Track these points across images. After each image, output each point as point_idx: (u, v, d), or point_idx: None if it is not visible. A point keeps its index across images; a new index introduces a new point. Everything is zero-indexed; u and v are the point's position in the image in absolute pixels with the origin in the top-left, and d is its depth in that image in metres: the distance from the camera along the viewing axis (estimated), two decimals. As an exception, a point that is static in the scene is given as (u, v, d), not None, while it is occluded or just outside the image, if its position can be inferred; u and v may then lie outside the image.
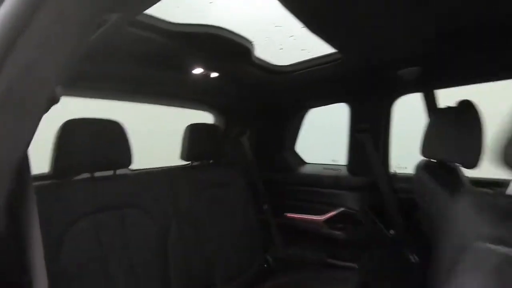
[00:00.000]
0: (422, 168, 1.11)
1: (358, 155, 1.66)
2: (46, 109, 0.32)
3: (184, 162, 1.49)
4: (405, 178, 1.56)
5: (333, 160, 1.92)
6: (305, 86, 1.58)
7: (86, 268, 0.93)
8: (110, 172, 1.13)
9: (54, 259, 0.87)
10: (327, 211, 1.69)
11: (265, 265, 1.60)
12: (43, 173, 1.06)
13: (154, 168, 1.54)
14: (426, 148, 1.07)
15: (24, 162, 0.29)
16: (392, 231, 1.52)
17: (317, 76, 1.41)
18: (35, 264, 0.30)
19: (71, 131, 0.98)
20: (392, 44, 1.07)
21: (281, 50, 1.26)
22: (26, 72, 0.25)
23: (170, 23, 0.93)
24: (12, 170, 0.25)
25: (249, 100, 1.80)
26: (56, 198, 0.93)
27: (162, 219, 1.17)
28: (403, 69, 1.24)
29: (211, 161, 1.67)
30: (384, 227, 1.53)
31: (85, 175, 1.06)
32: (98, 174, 1.08)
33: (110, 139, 1.07)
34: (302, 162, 2.00)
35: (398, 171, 1.62)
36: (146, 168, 1.50)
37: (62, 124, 0.97)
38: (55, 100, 0.32)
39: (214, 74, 1.34)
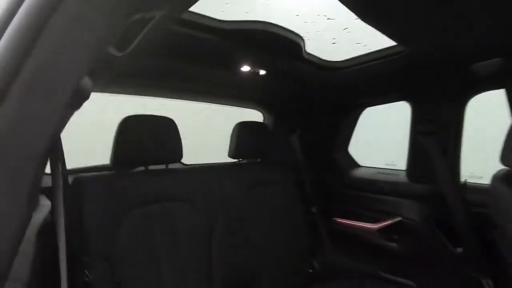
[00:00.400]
0: (501, 179, 0.94)
1: (421, 160, 1.48)
2: (77, 105, 0.33)
3: (232, 160, 1.51)
4: (479, 190, 1.34)
5: (387, 164, 1.75)
6: (361, 82, 1.46)
7: (137, 254, 0.99)
8: (163, 166, 1.20)
9: (110, 244, 0.96)
10: (381, 220, 1.55)
11: (311, 270, 1.53)
12: (104, 164, 1.17)
13: (204, 164, 1.59)
14: (508, 156, 0.90)
15: (55, 152, 0.31)
16: (459, 249, 1.32)
17: (374, 72, 1.30)
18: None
19: (129, 126, 1.06)
20: (467, 33, 0.92)
21: (334, 44, 1.19)
22: (54, 56, 0.26)
23: (218, 20, 0.94)
24: (38, 156, 0.27)
25: (300, 97, 1.74)
26: (115, 187, 1.02)
27: (209, 214, 1.20)
28: (480, 61, 1.07)
29: (259, 160, 1.67)
30: (450, 243, 1.34)
31: (140, 168, 1.15)
32: (152, 167, 1.16)
33: (164, 134, 1.14)
34: (355, 165, 1.87)
35: (471, 180, 1.40)
36: (196, 164, 1.56)
37: (122, 120, 1.06)
38: (84, 95, 0.33)
39: (262, 72, 1.32)
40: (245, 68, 1.27)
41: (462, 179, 1.41)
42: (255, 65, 1.26)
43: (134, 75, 1.19)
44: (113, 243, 0.95)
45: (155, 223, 1.06)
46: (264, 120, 1.93)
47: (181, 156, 1.18)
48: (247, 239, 1.31)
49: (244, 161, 1.55)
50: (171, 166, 1.23)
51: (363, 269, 1.49)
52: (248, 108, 1.91)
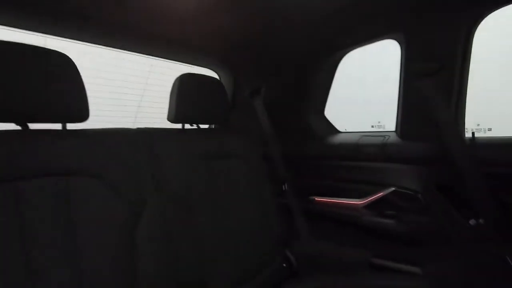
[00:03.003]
0: None
1: (415, 111, 1.16)
2: None
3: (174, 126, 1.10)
4: (490, 145, 1.05)
5: (373, 126, 1.43)
6: (334, 20, 1.11)
7: None
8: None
9: None
10: (370, 193, 1.23)
11: (284, 264, 1.17)
12: None
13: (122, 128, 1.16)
14: None
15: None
16: (473, 221, 1.02)
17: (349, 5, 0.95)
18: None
19: None
20: None
21: None
22: None
23: None
24: None
25: (263, 49, 1.36)
26: None
27: (132, 195, 0.80)
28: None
29: (213, 126, 1.27)
30: (460, 214, 1.04)
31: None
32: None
33: None
34: (334, 131, 1.53)
35: (478, 134, 1.11)
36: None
37: None
38: None
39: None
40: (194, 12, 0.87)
41: (468, 132, 1.12)
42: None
43: None
44: None
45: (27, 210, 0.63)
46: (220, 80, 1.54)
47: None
48: (194, 228, 0.92)
49: (194, 127, 1.15)
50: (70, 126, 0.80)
51: (352, 258, 1.15)
52: (199, 65, 1.50)
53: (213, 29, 1.18)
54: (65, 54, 0.75)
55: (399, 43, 1.18)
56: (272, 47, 1.36)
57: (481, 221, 1.01)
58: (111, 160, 0.79)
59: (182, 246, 0.87)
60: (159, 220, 0.84)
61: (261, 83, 1.44)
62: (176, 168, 0.94)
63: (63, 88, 0.73)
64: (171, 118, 1.05)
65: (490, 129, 1.13)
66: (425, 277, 0.97)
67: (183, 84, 1.04)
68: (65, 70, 0.74)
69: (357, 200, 1.26)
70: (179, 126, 1.12)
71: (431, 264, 1.01)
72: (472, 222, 1.02)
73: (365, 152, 1.26)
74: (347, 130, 1.51)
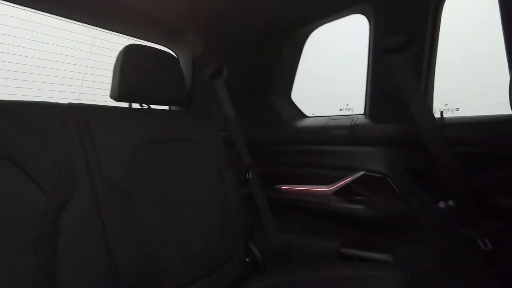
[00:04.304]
0: None
1: (384, 91, 1.11)
2: None
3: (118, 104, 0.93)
4: (460, 124, 1.02)
5: (341, 110, 1.36)
6: None
7: None
8: None
9: None
10: (339, 178, 1.15)
11: (248, 259, 1.06)
12: None
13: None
14: None
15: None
16: (442, 204, 0.98)
17: None
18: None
19: None
20: None
21: None
22: None
23: None
24: None
25: (224, 23, 1.23)
26: None
27: (57, 180, 0.64)
28: None
29: (169, 107, 1.13)
30: (429, 197, 0.99)
31: None
32: None
33: None
34: (301, 115, 1.44)
35: (446, 114, 1.07)
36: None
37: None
38: None
39: None
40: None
41: (436, 111, 1.08)
42: None
43: None
44: None
45: None
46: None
47: None
48: (135, 222, 0.76)
49: (144, 106, 0.99)
50: None
51: (320, 248, 1.07)
52: (152, 41, 1.33)
53: (168, 0, 1.03)
54: None
55: (368, 18, 1.11)
56: (234, 22, 1.23)
57: (450, 203, 0.97)
58: (28, 138, 0.63)
59: (121, 243, 0.72)
60: (90, 212, 0.68)
61: (222, 63, 1.31)
62: (116, 152, 0.78)
63: None
64: (114, 96, 0.89)
65: (457, 109, 1.10)
66: (395, 265, 0.91)
67: (129, 56, 0.88)
68: None
69: (325, 186, 1.18)
70: (126, 105, 0.96)
71: (401, 250, 0.95)
72: (441, 204, 0.98)
73: (333, 135, 1.18)
74: (314, 115, 1.43)
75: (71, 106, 0.77)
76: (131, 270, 0.72)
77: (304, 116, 1.44)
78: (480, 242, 0.86)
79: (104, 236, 0.69)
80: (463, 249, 0.90)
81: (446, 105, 1.10)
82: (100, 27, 1.21)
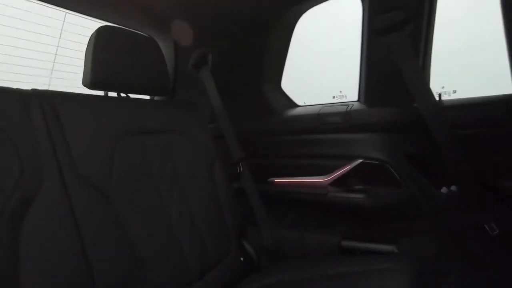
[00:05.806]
0: None
1: (380, 73, 1.05)
2: None
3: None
4: (460, 106, 0.98)
5: (335, 97, 1.30)
6: None
7: None
8: None
9: None
10: (335, 168, 1.09)
11: (242, 258, 0.98)
12: None
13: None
14: None
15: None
16: (444, 189, 0.94)
17: None
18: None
19: None
20: None
21: None
22: None
23: None
24: None
25: (208, 6, 1.14)
26: None
27: (21, 176, 0.54)
28: None
29: (154, 98, 1.05)
30: (431, 183, 0.94)
31: None
32: None
33: None
34: (292, 104, 1.37)
35: (444, 96, 1.03)
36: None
37: None
38: None
39: None
40: None
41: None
42: None
43: None
44: None
45: None
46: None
47: None
48: (115, 221, 0.67)
49: (123, 95, 0.89)
50: None
51: (319, 242, 1.00)
52: (129, 26, 1.22)
53: None
54: None
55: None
56: (219, 5, 1.15)
57: (453, 188, 0.93)
58: None
59: (98, 246, 0.62)
60: (59, 211, 0.59)
61: (208, 50, 1.22)
62: (90, 144, 0.69)
63: None
64: (87, 83, 0.79)
65: (455, 91, 1.06)
66: (400, 256, 0.86)
67: (103, 39, 0.79)
68: None
69: (322, 177, 1.11)
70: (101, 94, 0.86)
71: (405, 240, 0.90)
72: (444, 190, 0.94)
73: (327, 123, 1.12)
74: (306, 104, 1.36)
75: (35, 92, 0.67)
76: (111, 278, 0.63)
77: (295, 105, 1.37)
78: (487, 227, 0.82)
79: (79, 238, 0.59)
80: (469, 235, 0.85)
81: (443, 87, 1.06)
82: (71, 10, 1.10)
